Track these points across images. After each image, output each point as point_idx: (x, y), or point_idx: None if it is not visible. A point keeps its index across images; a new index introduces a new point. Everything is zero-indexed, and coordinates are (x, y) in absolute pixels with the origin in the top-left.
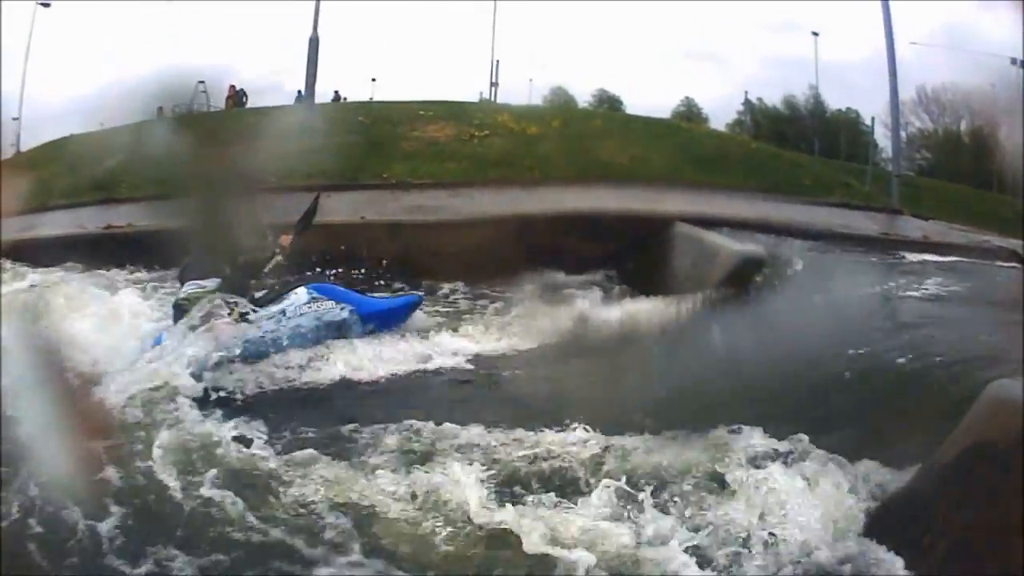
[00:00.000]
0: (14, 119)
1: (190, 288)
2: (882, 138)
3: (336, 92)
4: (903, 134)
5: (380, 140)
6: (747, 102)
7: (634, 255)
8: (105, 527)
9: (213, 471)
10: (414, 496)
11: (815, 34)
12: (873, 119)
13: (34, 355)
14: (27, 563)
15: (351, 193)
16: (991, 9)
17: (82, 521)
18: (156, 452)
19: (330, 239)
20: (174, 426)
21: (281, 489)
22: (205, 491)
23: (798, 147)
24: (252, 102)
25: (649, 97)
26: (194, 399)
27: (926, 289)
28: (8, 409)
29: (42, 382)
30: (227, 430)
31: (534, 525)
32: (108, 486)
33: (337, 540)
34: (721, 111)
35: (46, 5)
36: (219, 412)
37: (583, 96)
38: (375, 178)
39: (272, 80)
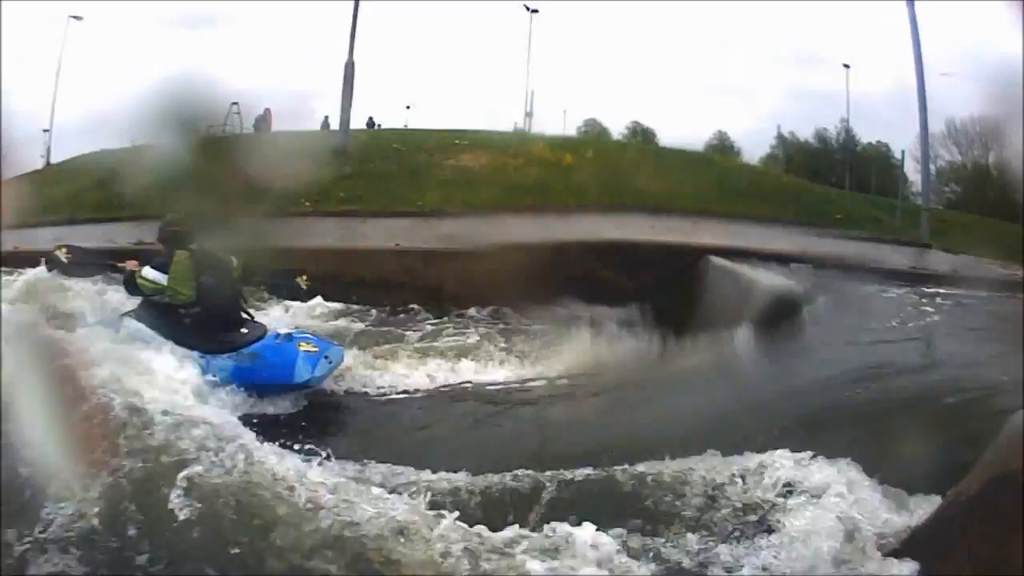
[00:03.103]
0: (45, 131)
1: (149, 274)
2: (912, 172)
3: (370, 119)
4: (932, 167)
5: (415, 167)
6: (780, 136)
7: (668, 289)
8: (105, 527)
9: (214, 469)
10: (434, 516)
11: (846, 66)
12: (903, 153)
13: (34, 355)
14: (27, 563)
15: (387, 220)
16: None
17: (82, 521)
18: (156, 451)
19: (365, 265)
20: (175, 424)
21: (290, 496)
22: (205, 490)
23: (830, 181)
24: (281, 127)
25: (681, 130)
26: (198, 398)
27: (950, 322)
28: (8, 408)
29: (42, 381)
30: (234, 433)
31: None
32: (107, 485)
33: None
34: (750, 144)
35: (78, 18)
36: (226, 413)
37: (616, 128)
38: (410, 206)
39: (301, 106)
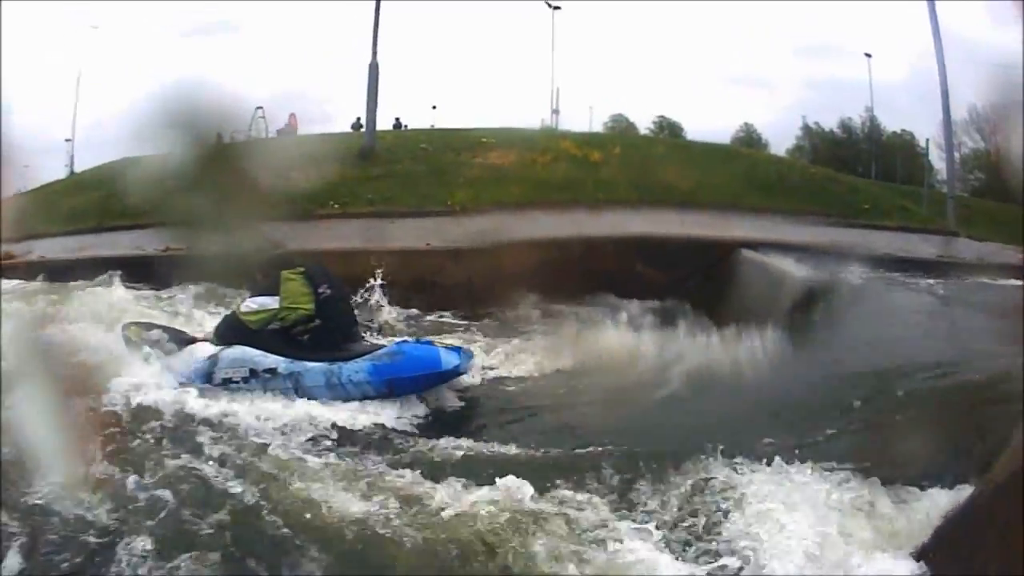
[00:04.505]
0: (67, 140)
1: (253, 304)
2: (937, 159)
3: (397, 120)
4: (956, 155)
5: (443, 167)
6: (805, 126)
7: (700, 282)
8: (105, 527)
9: (214, 468)
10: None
11: (868, 55)
12: (928, 141)
13: (37, 358)
14: (27, 563)
15: (416, 220)
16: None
17: (82, 521)
18: (157, 451)
19: (396, 266)
20: (176, 426)
21: (291, 491)
22: (207, 490)
23: (856, 171)
24: (303, 130)
25: (707, 123)
26: (200, 402)
27: (974, 308)
28: (9, 409)
29: (44, 384)
30: (235, 428)
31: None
32: (108, 485)
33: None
34: (774, 136)
35: (95, 28)
36: (227, 412)
37: (643, 123)
38: (439, 204)
39: (326, 109)
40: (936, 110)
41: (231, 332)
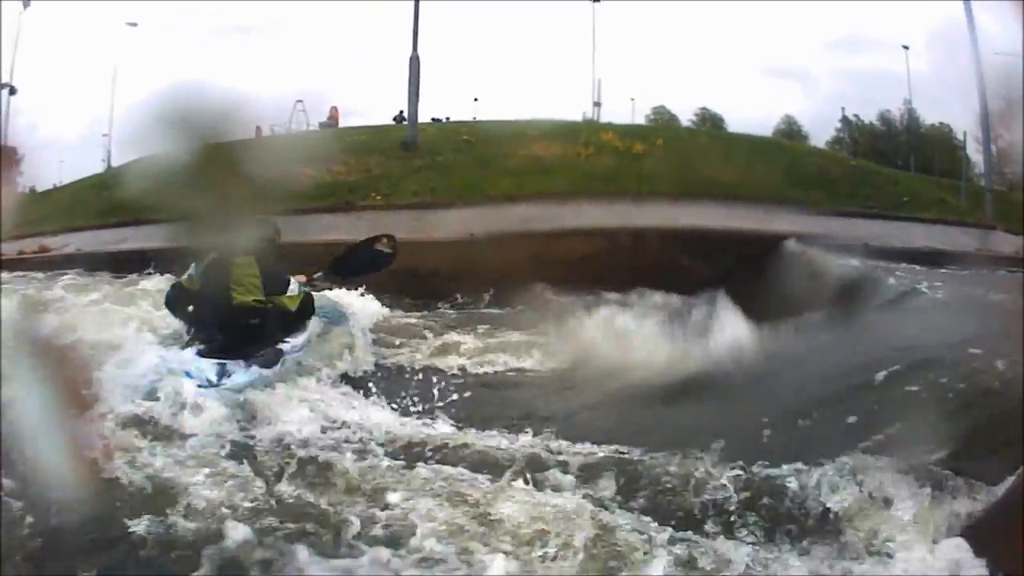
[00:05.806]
0: (104, 135)
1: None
2: (974, 152)
3: (433, 118)
4: (993, 148)
5: (486, 158)
6: (844, 119)
7: (744, 275)
8: (106, 527)
9: (216, 467)
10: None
11: (905, 47)
12: (965, 133)
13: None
14: (27, 563)
15: (459, 211)
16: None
17: (82, 521)
18: (157, 451)
19: (439, 256)
20: (176, 424)
21: (297, 489)
22: (209, 488)
23: (895, 164)
24: (344, 123)
25: (747, 115)
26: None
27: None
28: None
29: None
30: (237, 421)
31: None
32: (108, 485)
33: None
34: (814, 128)
35: (133, 24)
36: (228, 404)
37: (684, 115)
38: (482, 194)
39: (365, 103)
40: (974, 102)
41: (180, 298)
